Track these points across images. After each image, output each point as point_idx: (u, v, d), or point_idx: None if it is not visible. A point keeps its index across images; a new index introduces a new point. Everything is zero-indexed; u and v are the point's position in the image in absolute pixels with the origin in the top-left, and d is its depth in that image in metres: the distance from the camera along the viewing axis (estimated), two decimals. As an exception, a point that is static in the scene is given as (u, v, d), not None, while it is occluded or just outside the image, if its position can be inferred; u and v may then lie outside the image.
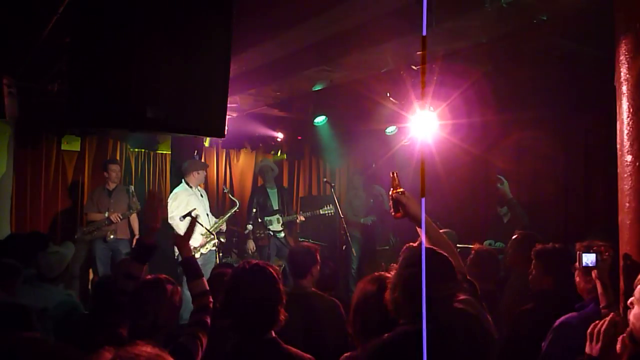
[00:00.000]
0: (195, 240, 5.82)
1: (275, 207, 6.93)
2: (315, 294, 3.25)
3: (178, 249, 2.54)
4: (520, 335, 2.83)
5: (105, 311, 2.55)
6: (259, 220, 6.83)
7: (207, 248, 5.88)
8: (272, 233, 6.80)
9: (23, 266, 3.27)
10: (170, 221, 5.97)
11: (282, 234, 6.91)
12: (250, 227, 6.81)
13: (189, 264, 2.52)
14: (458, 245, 5.16)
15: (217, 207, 7.70)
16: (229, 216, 6.23)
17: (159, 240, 2.67)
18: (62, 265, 3.60)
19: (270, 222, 6.83)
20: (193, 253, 5.68)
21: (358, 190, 7.59)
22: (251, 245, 6.75)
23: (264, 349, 2.10)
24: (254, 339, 2.11)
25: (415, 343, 1.55)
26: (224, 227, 6.40)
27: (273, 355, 2.11)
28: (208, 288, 2.44)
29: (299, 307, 2.86)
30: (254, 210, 6.89)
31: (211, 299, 2.40)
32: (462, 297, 1.91)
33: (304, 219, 6.99)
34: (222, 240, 6.27)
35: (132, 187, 6.52)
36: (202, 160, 7.72)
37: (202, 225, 5.65)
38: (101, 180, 6.59)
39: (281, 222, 6.88)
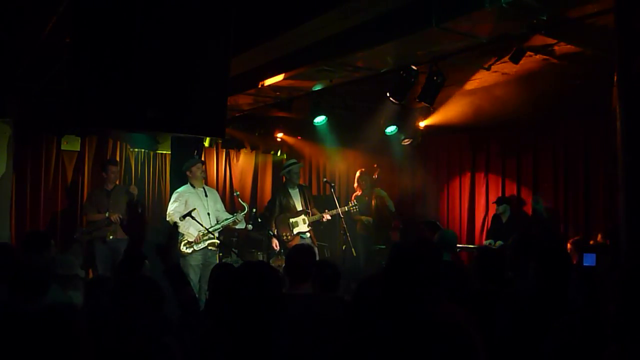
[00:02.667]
0: (189, 236, 5.85)
1: (299, 207, 6.75)
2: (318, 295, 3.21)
3: (161, 258, 2.51)
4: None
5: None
6: (284, 221, 6.66)
7: (201, 246, 5.88)
8: (298, 234, 6.63)
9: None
10: (168, 219, 5.98)
11: (308, 235, 6.73)
12: (250, 227, 6.77)
13: (174, 273, 2.49)
14: (458, 245, 5.16)
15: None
16: (230, 221, 6.21)
17: (159, 240, 2.68)
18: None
19: (296, 224, 6.65)
20: (188, 249, 5.76)
21: (366, 190, 7.60)
22: (274, 243, 6.59)
23: (267, 348, 2.10)
24: (256, 338, 2.11)
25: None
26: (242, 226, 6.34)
27: (276, 355, 2.11)
28: (196, 295, 2.45)
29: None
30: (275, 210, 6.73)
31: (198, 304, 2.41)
32: (450, 306, 1.86)
33: (330, 217, 6.73)
34: (221, 240, 6.24)
35: (134, 188, 6.53)
36: (202, 160, 7.72)
37: (200, 223, 5.65)
38: (101, 181, 6.60)
39: (307, 222, 6.70)
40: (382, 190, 7.61)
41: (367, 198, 7.52)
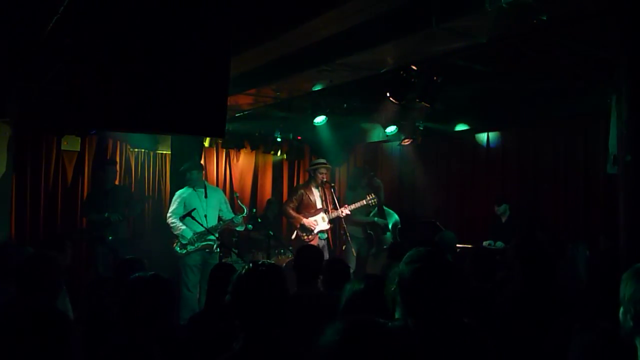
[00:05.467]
0: (183, 238, 5.86)
1: (319, 205, 6.71)
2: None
3: None
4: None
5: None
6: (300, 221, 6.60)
7: (194, 247, 5.89)
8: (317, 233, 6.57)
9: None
10: (167, 221, 5.98)
11: (325, 235, 6.72)
12: (249, 227, 6.75)
13: None
14: (458, 245, 5.16)
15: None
16: (227, 222, 6.21)
17: (160, 240, 2.68)
18: None
19: (316, 222, 6.64)
20: (181, 250, 5.76)
21: (364, 189, 7.37)
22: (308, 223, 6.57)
23: (271, 348, 2.10)
24: (261, 338, 2.11)
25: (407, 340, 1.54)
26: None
27: (279, 355, 2.11)
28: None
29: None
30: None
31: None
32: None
33: (349, 212, 6.67)
34: (221, 240, 6.24)
35: (133, 188, 6.54)
36: (202, 160, 7.72)
37: (199, 223, 5.65)
38: (100, 181, 6.60)
39: (326, 220, 6.67)
40: (379, 180, 7.47)
41: (362, 197, 7.37)
